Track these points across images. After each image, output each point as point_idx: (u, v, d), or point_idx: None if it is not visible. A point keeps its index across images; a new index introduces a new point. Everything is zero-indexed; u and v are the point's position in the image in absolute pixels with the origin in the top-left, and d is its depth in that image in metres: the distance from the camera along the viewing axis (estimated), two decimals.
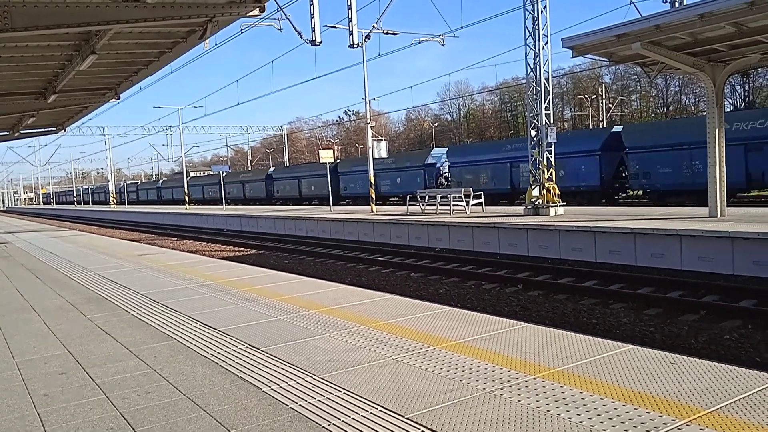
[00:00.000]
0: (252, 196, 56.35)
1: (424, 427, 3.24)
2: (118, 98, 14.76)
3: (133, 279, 9.60)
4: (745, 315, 8.82)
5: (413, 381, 3.98)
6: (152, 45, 10.32)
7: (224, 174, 60.65)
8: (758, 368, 4.80)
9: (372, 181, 26.22)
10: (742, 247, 11.07)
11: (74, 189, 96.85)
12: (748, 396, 3.42)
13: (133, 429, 3.45)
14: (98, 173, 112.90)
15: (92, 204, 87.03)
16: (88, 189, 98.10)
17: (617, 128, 27.91)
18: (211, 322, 6.09)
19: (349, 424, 3.33)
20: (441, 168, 36.77)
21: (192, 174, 77.23)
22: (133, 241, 23.45)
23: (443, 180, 36.48)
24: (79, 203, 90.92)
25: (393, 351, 4.70)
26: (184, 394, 3.99)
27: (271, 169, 60.52)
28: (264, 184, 53.78)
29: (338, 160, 47.22)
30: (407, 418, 3.37)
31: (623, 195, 29.37)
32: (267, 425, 3.39)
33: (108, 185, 70.68)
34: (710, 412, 3.23)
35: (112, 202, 67.63)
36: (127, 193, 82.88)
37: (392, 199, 41.14)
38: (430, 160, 37.04)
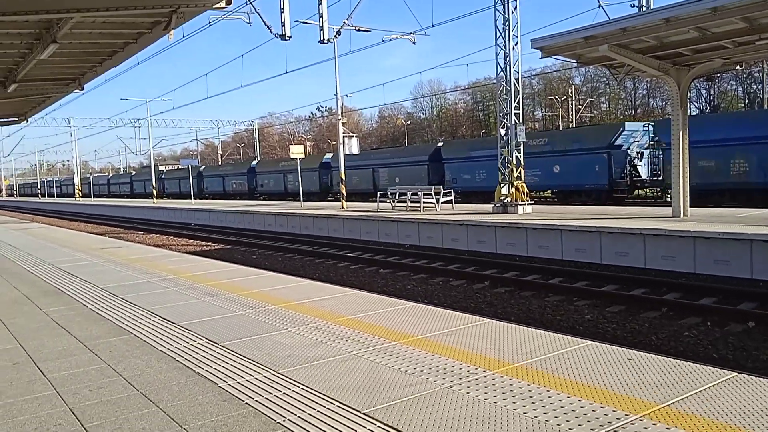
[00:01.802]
0: (300, 189, 40.66)
1: (381, 422, 3.21)
2: (82, 89, 14.37)
3: (93, 272, 9.38)
4: (704, 312, 9.00)
5: (372, 376, 3.95)
6: (116, 35, 10.06)
7: (255, 162, 55.23)
8: (714, 364, 4.90)
9: (342, 177, 26.10)
10: (704, 246, 11.30)
11: (38, 181, 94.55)
12: (700, 391, 3.47)
13: (82, 425, 3.35)
14: (64, 165, 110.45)
15: (57, 197, 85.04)
16: (53, 181, 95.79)
17: None
18: (171, 317, 5.98)
19: (305, 420, 3.28)
20: (629, 152, 25.96)
21: (166, 167, 75.84)
22: (98, 234, 22.97)
23: (631, 170, 25.90)
24: (43, 195, 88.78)
25: (354, 346, 4.67)
26: (138, 390, 3.89)
27: (328, 156, 45.34)
28: (318, 174, 42.80)
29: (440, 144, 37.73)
30: (364, 414, 3.33)
31: None
32: (221, 420, 3.32)
33: (74, 177, 69.09)
34: (663, 407, 3.26)
35: (78, 195, 66.17)
36: (108, 185, 78.04)
37: (546, 195, 31.06)
38: (618, 141, 25.80)
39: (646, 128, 27.17)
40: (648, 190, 29.07)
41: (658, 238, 11.99)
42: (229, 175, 55.59)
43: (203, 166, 65.27)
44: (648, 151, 26.41)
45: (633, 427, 3.02)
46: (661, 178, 25.44)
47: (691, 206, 14.36)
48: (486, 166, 29.91)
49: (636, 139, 26.40)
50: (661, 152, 25.25)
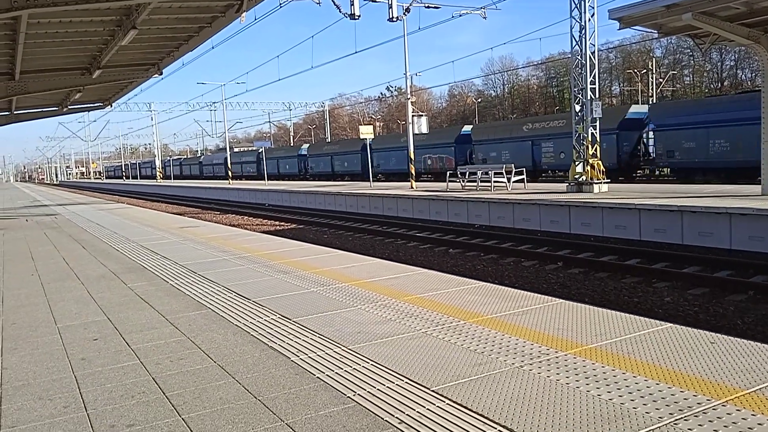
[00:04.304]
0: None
1: (450, 399, 3.20)
2: (161, 74, 14.98)
3: (173, 250, 9.81)
4: None
5: (441, 354, 3.94)
6: (191, 20, 10.39)
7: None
8: None
9: (411, 156, 26.04)
10: None
11: (122, 164, 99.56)
12: None
13: (164, 393, 3.52)
14: (146, 148, 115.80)
15: (141, 178, 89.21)
16: (136, 164, 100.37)
17: None
18: (246, 293, 6.17)
19: (374, 395, 3.31)
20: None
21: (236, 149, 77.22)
22: (177, 214, 23.98)
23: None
24: (127, 177, 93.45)
25: (423, 324, 4.67)
26: (215, 362, 4.05)
27: (467, 128, 38.76)
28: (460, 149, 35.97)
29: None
30: (433, 391, 3.33)
31: None
32: (293, 393, 3.41)
33: (154, 160, 72.28)
34: (749, 392, 3.09)
35: (159, 177, 69.23)
36: (241, 165, 64.56)
37: None
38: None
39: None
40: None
41: (746, 217, 11.33)
42: (386, 149, 42.48)
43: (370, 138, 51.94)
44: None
45: (715, 412, 2.88)
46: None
47: None
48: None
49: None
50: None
